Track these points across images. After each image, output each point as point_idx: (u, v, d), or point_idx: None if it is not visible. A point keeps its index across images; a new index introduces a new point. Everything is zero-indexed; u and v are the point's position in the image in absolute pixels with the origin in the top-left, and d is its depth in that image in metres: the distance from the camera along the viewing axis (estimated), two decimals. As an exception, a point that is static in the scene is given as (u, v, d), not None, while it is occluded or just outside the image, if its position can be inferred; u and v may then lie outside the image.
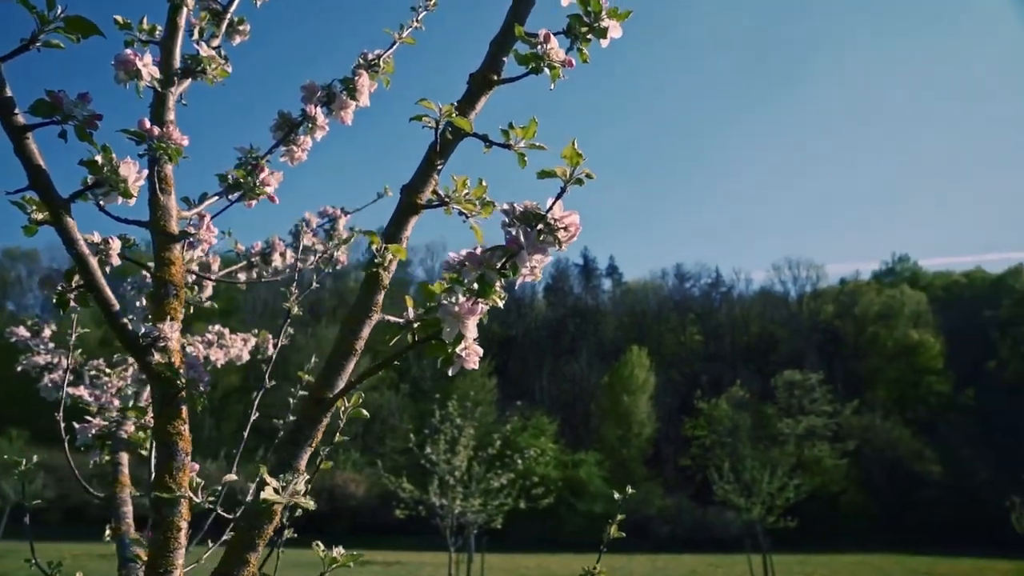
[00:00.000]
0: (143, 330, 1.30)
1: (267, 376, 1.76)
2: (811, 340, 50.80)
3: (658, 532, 34.85)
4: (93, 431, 1.90)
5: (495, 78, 1.44)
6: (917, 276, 57.29)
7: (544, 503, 16.35)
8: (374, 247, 1.26)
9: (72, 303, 1.22)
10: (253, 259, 2.16)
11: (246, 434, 1.66)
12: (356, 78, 1.99)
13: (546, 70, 1.40)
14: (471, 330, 1.14)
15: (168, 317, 1.42)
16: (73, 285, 1.23)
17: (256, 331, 2.60)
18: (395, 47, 2.08)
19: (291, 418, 1.96)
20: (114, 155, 1.15)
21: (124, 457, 1.85)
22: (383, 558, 21.85)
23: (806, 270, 56.60)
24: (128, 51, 1.42)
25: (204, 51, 1.76)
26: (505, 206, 1.19)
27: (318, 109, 1.92)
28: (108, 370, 2.08)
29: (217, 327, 2.54)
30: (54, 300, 1.22)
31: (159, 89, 1.55)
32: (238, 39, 2.03)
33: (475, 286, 1.16)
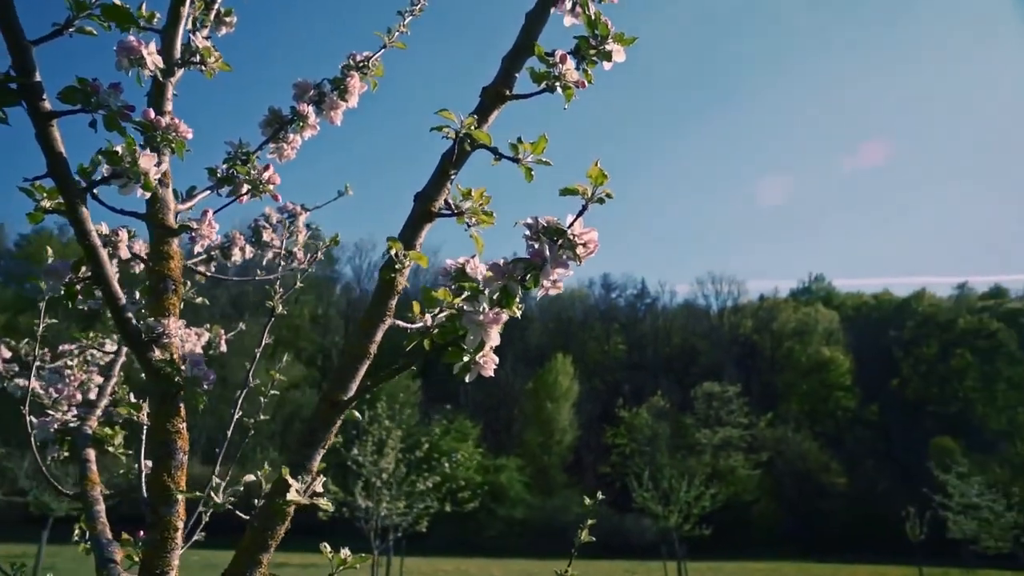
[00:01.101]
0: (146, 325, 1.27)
1: (250, 375, 1.73)
2: (730, 353, 52.37)
3: (575, 538, 35.21)
4: (55, 426, 1.84)
5: (507, 93, 1.47)
6: (831, 296, 59.83)
7: (469, 507, 16.36)
8: (393, 253, 1.27)
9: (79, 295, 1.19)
10: (213, 252, 2.13)
11: (230, 432, 1.63)
12: (347, 80, 1.99)
13: (559, 90, 1.44)
14: (494, 339, 1.16)
15: (167, 313, 1.39)
16: (79, 277, 1.19)
17: (208, 326, 2.55)
18: (383, 50, 2.09)
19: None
20: (137, 148, 1.12)
21: (91, 454, 1.79)
22: (300, 560, 21.33)
23: (728, 285, 58.37)
24: (132, 38, 1.39)
25: (199, 42, 1.73)
26: (529, 220, 1.21)
27: (310, 108, 1.91)
28: (70, 362, 2.00)
29: (173, 319, 2.47)
30: (61, 291, 1.18)
31: (160, 79, 1.52)
32: (224, 30, 2.00)
33: (497, 296, 1.19)
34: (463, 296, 1.23)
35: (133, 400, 1.57)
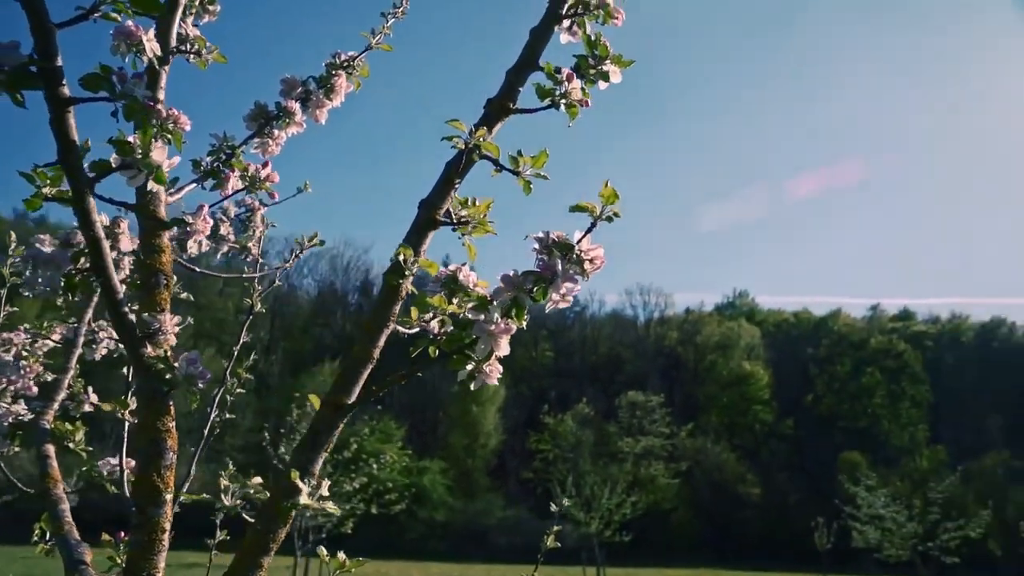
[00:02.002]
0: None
1: (228, 372, 1.70)
2: (655, 364, 53.45)
3: (496, 542, 35.36)
4: (8, 420, 1.77)
5: (511, 106, 1.49)
6: (754, 312, 61.80)
7: (395, 509, 16.21)
8: (401, 259, 1.27)
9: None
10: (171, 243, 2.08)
11: (207, 432, 1.60)
12: (335, 79, 1.98)
13: (563, 108, 1.47)
14: (504, 348, 1.18)
15: (159, 308, 1.36)
16: (78, 268, 1.16)
17: None
18: (368, 50, 2.08)
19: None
20: (155, 139, 1.10)
21: (50, 449, 1.72)
22: (216, 560, 20.70)
23: (655, 297, 59.57)
24: (131, 23, 1.35)
25: (190, 30, 1.70)
26: (540, 234, 1.24)
27: (296, 105, 1.89)
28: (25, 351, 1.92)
29: None
30: (62, 283, 1.14)
31: (156, 66, 1.48)
32: (207, 19, 1.96)
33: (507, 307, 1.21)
34: (471, 305, 1.25)
35: (120, 397, 1.52)
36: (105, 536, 1.31)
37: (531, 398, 50.20)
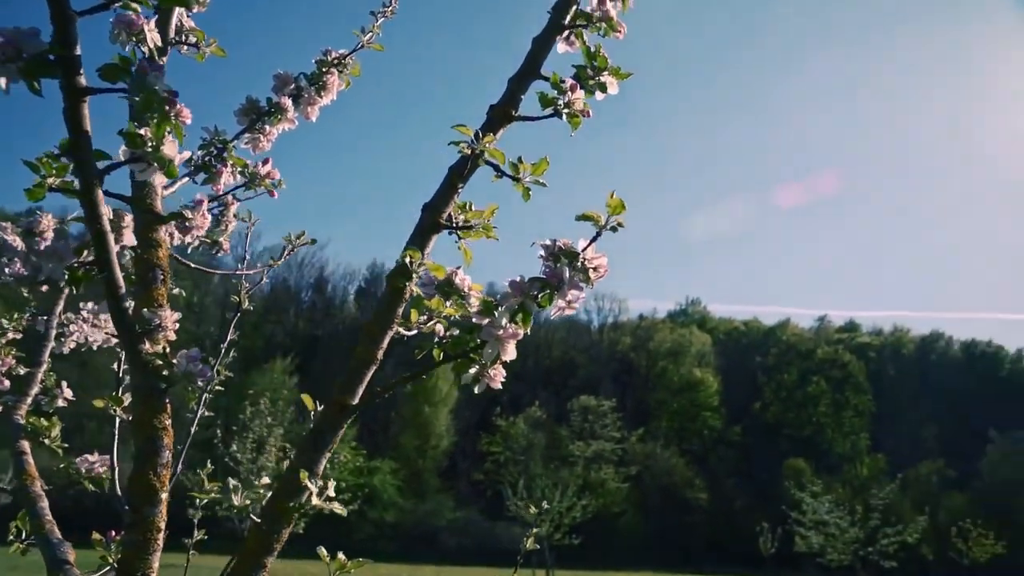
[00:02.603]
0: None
1: (215, 369, 1.68)
2: (607, 369, 53.94)
3: (446, 544, 35.27)
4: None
5: (513, 113, 1.50)
6: (705, 320, 62.87)
7: (350, 509, 16.09)
8: (408, 261, 1.28)
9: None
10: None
11: (193, 429, 1.57)
12: (327, 77, 1.97)
13: (565, 117, 1.49)
14: (511, 353, 1.20)
15: (156, 304, 1.34)
16: (81, 261, 1.13)
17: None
18: (359, 48, 2.08)
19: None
20: (168, 132, 1.09)
21: (26, 445, 1.68)
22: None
23: (610, 303, 60.14)
24: (131, 12, 1.33)
25: (186, 21, 1.67)
26: (547, 241, 1.25)
27: (289, 101, 1.87)
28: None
29: (91, 304, 2.35)
30: (66, 277, 1.12)
31: (155, 57, 1.46)
32: (196, 8, 1.93)
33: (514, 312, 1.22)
34: (477, 309, 1.26)
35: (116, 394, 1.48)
36: (96, 535, 1.28)
37: (483, 400, 50.20)
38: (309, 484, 1.05)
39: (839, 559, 25.01)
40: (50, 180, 1.13)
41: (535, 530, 2.05)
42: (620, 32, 1.55)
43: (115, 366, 1.49)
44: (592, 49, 1.56)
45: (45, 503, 1.52)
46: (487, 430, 44.00)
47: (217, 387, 1.95)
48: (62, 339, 2.28)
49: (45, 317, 2.15)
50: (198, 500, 1.73)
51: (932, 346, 60.92)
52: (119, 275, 1.15)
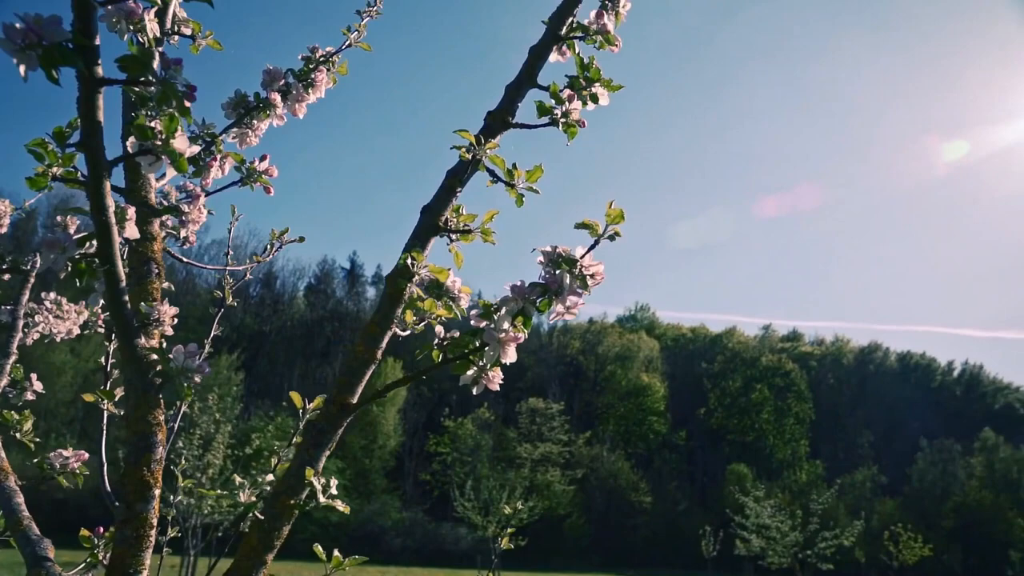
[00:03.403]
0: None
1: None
2: (556, 372, 54.22)
3: (391, 544, 34.98)
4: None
5: (510, 119, 1.53)
6: (653, 325, 63.71)
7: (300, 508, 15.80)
8: (409, 262, 1.29)
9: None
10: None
11: (175, 426, 1.55)
12: (315, 74, 1.96)
13: (562, 127, 1.53)
14: (512, 356, 1.22)
15: (151, 298, 1.33)
16: (84, 253, 1.12)
17: (86, 303, 2.39)
18: (345, 46, 2.08)
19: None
20: (181, 126, 1.08)
21: (-4, 438, 1.63)
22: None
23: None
24: (131, 2, 1.32)
25: (179, 12, 1.65)
26: (547, 248, 1.28)
27: (278, 97, 1.86)
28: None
29: (52, 294, 2.30)
30: (69, 269, 1.10)
31: (152, 47, 1.44)
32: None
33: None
34: (477, 312, 1.28)
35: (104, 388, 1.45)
36: (84, 532, 1.26)
37: (432, 400, 49.97)
38: (315, 483, 1.05)
39: (779, 562, 25.68)
40: (55, 169, 1.11)
41: (510, 530, 2.07)
42: (616, 46, 1.59)
43: (102, 360, 1.46)
44: (586, 60, 1.59)
45: (20, 499, 1.49)
46: (435, 431, 43.83)
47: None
48: (26, 329, 2.22)
49: (11, 307, 2.09)
50: (172, 497, 1.71)
51: (870, 357, 62.89)
52: (121, 269, 1.14)
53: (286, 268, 55.35)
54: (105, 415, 1.43)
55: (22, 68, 0.93)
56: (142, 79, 1.00)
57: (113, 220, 1.10)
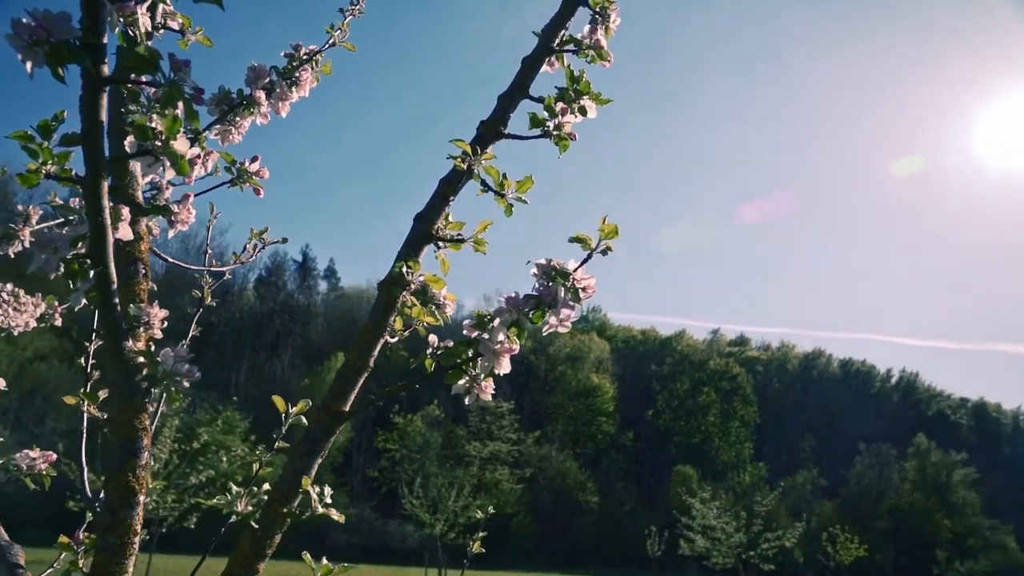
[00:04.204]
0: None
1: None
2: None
3: (336, 540, 34.61)
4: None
5: (503, 130, 1.54)
6: (605, 327, 64.29)
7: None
8: (404, 271, 1.29)
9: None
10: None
11: (151, 427, 1.51)
12: (301, 72, 1.94)
13: (554, 139, 1.54)
14: (506, 366, 1.23)
15: (138, 299, 1.30)
16: (76, 253, 1.10)
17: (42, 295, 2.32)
18: (329, 45, 2.06)
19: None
20: (183, 128, 1.07)
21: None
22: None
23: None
24: (129, -3, 1.29)
25: (167, 6, 1.62)
26: (542, 261, 1.29)
27: (263, 94, 1.84)
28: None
29: (9, 286, 2.23)
30: (63, 269, 1.07)
31: (143, 40, 1.41)
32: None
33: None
34: (470, 323, 1.28)
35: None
36: (63, 539, 1.23)
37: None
38: (312, 491, 1.05)
39: (723, 562, 26.22)
40: (49, 167, 1.08)
41: (483, 533, 2.08)
42: (608, 61, 1.61)
43: (82, 361, 1.42)
44: (576, 73, 1.61)
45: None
46: (384, 427, 43.50)
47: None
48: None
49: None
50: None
51: (814, 363, 64.61)
52: (114, 270, 1.12)
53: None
54: (85, 418, 1.39)
55: (28, 65, 0.91)
56: (150, 80, 0.98)
57: (109, 221, 1.07)
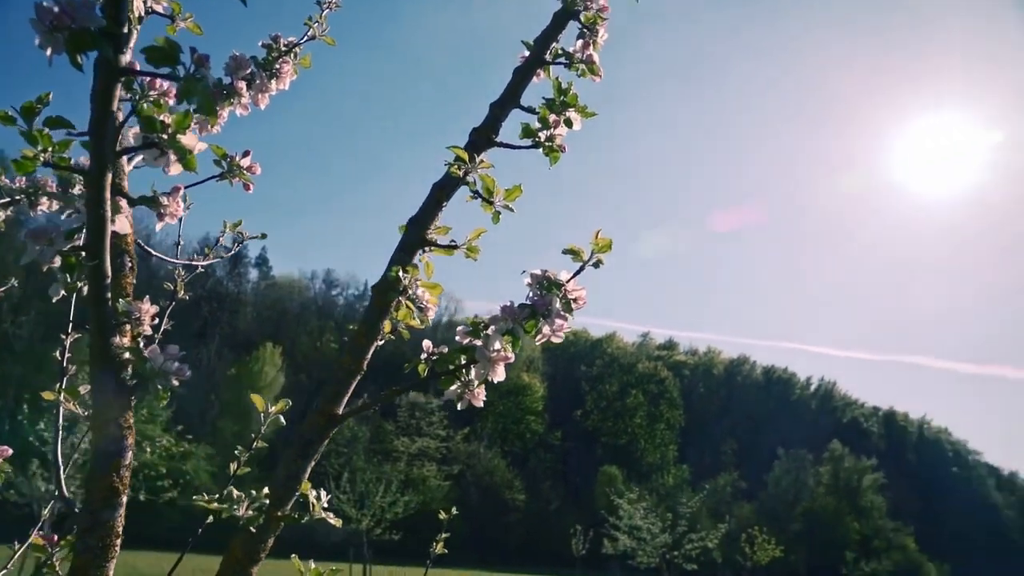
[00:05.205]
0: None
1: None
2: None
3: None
4: None
5: (494, 137, 1.55)
6: (537, 326, 64.58)
7: (166, 497, 15.00)
8: (399, 275, 1.29)
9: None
10: (19, 198, 1.90)
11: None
12: (281, 64, 1.92)
13: (544, 150, 1.56)
14: (501, 375, 1.25)
15: (125, 293, 1.27)
16: (73, 246, 1.06)
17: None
18: (306, 38, 2.03)
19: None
20: (194, 121, 1.05)
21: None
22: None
23: (446, 301, 60.39)
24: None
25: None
26: (537, 271, 1.31)
27: (244, 85, 1.80)
28: None
29: None
30: (59, 263, 1.04)
31: (135, 26, 1.37)
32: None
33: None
34: (464, 329, 1.29)
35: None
36: (37, 539, 1.18)
37: (311, 388, 48.73)
38: (311, 496, 1.04)
39: (647, 561, 26.80)
40: (46, 155, 1.05)
41: (446, 535, 2.09)
42: (599, 76, 1.64)
43: (57, 354, 1.37)
44: (564, 85, 1.63)
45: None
46: (311, 420, 42.75)
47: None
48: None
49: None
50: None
51: (739, 369, 66.59)
52: (108, 263, 1.09)
53: (164, 242, 52.48)
54: (60, 413, 1.34)
55: (48, 51, 0.88)
56: (168, 73, 0.96)
57: (110, 214, 1.04)
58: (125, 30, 0.92)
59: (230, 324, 52.82)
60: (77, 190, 2.00)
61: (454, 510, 2.19)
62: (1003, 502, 64.69)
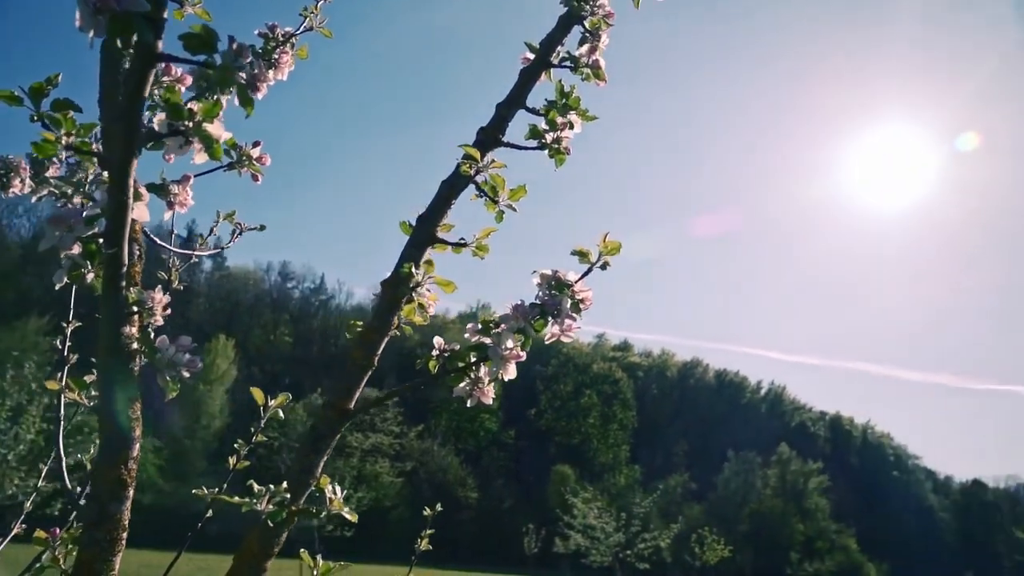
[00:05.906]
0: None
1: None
2: (393, 363, 53.83)
3: (208, 530, 33.19)
4: None
5: (500, 138, 1.56)
6: (493, 324, 64.66)
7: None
8: (411, 271, 1.29)
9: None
10: None
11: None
12: (281, 54, 1.90)
13: (550, 152, 1.58)
14: (512, 373, 1.26)
15: (132, 282, 1.25)
16: (93, 232, 1.05)
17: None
18: (302, 28, 2.02)
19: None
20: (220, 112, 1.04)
21: None
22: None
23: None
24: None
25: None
26: (547, 271, 1.33)
27: (243, 74, 1.78)
28: None
29: None
30: (80, 250, 1.02)
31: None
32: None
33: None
34: (474, 327, 1.31)
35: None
36: (40, 533, 1.16)
37: (264, 382, 47.86)
38: (328, 490, 1.04)
39: (600, 560, 27.06)
40: (69, 138, 1.03)
41: (430, 531, 2.09)
42: (604, 81, 1.66)
43: (58, 343, 1.34)
44: (567, 88, 1.65)
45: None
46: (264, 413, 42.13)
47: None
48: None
49: None
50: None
51: (692, 371, 67.63)
52: (126, 252, 1.07)
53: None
54: (63, 403, 1.31)
55: (90, 33, 0.86)
56: (204, 60, 0.95)
57: (132, 201, 1.03)
58: (165, 15, 0.91)
59: (182, 315, 51.73)
60: (50, 173, 1.96)
61: (439, 507, 2.19)
62: (939, 505, 67.01)
